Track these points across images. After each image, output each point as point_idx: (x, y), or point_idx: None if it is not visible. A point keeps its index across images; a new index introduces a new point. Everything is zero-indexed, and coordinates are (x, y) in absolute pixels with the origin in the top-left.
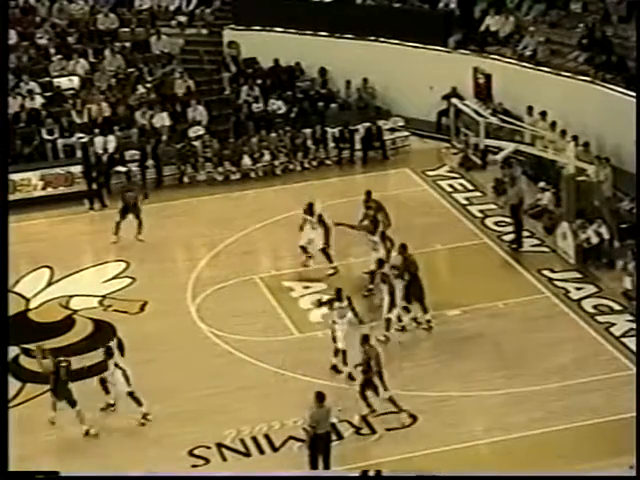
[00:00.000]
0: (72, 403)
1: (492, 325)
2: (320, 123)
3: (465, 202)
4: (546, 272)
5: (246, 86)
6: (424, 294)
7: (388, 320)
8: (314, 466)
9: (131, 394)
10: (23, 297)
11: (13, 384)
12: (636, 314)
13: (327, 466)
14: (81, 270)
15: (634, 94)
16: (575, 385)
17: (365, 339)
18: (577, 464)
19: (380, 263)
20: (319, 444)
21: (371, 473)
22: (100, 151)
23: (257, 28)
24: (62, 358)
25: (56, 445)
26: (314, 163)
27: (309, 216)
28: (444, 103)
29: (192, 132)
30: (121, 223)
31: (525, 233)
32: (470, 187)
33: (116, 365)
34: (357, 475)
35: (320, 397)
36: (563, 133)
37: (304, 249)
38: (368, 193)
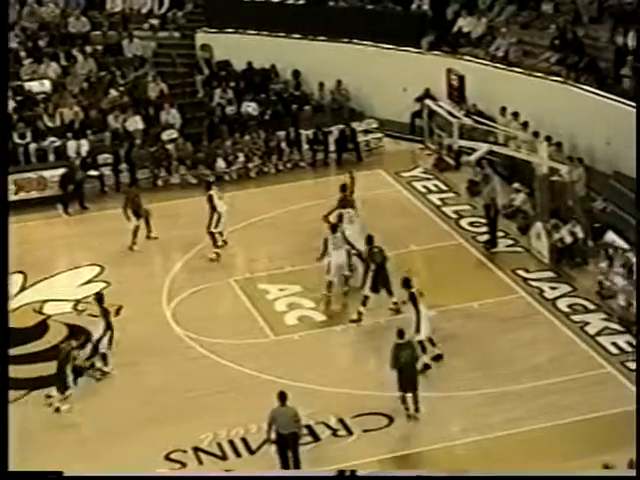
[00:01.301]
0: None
1: (468, 325)
2: (294, 125)
3: (439, 203)
4: (521, 272)
5: (219, 89)
6: (390, 282)
7: None
8: (285, 463)
9: (104, 356)
10: None
11: None
12: (636, 315)
13: (297, 467)
14: (55, 275)
15: (606, 94)
16: (551, 384)
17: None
18: (554, 463)
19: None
20: (284, 444)
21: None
22: (73, 155)
23: (230, 30)
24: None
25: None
26: (288, 165)
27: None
28: (418, 104)
29: (165, 135)
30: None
31: (499, 233)
32: (444, 188)
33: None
34: (346, 475)
35: (281, 397)
36: (536, 134)
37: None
38: (343, 187)
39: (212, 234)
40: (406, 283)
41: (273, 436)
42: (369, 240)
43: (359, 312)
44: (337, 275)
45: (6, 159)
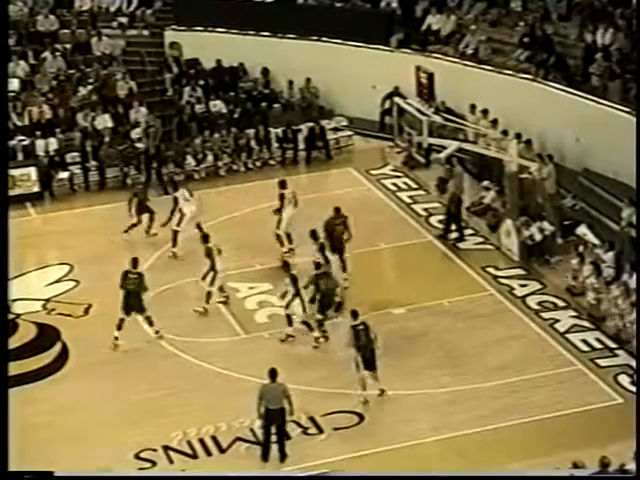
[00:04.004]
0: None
1: (437, 323)
2: (263, 123)
3: (409, 201)
4: (490, 269)
5: (188, 87)
6: (144, 308)
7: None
8: (267, 440)
9: (305, 322)
10: None
11: None
12: (637, 317)
13: (282, 441)
14: (23, 274)
15: (574, 92)
16: (520, 382)
17: None
18: (523, 460)
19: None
20: (271, 418)
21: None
22: (42, 153)
23: (199, 29)
24: None
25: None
26: (258, 164)
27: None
28: (387, 102)
29: (134, 134)
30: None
31: (469, 231)
32: (414, 185)
33: (297, 294)
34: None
35: (272, 373)
36: (505, 132)
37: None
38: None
39: (175, 232)
40: (313, 235)
41: (262, 411)
42: (134, 263)
43: (115, 337)
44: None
45: (6, 159)
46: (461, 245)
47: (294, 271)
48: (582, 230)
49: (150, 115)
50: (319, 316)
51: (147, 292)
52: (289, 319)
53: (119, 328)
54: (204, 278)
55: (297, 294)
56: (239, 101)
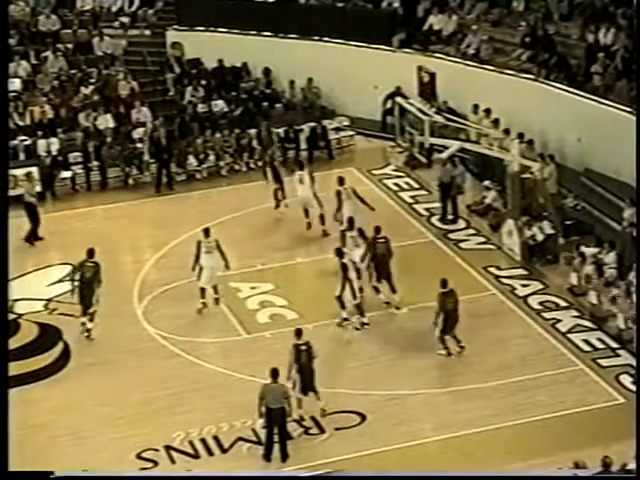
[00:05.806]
0: None
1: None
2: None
3: (411, 201)
4: (492, 269)
5: (190, 87)
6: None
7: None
8: (269, 440)
9: (357, 306)
10: None
11: None
12: (636, 318)
13: (283, 441)
14: (25, 274)
15: (576, 91)
16: (522, 382)
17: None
18: (525, 460)
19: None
20: (273, 418)
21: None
22: (43, 153)
23: (200, 29)
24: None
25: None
26: (259, 163)
27: None
28: (388, 102)
29: (136, 134)
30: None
31: (470, 231)
32: (416, 186)
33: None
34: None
35: (273, 373)
36: (507, 132)
37: None
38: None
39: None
40: (350, 222)
41: (263, 410)
42: (90, 253)
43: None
44: (210, 280)
45: (6, 159)
46: (463, 245)
47: (345, 259)
48: (582, 249)
49: (155, 120)
50: (438, 334)
51: (100, 285)
52: (341, 303)
53: (91, 320)
54: (193, 269)
55: (348, 280)
56: (241, 101)
